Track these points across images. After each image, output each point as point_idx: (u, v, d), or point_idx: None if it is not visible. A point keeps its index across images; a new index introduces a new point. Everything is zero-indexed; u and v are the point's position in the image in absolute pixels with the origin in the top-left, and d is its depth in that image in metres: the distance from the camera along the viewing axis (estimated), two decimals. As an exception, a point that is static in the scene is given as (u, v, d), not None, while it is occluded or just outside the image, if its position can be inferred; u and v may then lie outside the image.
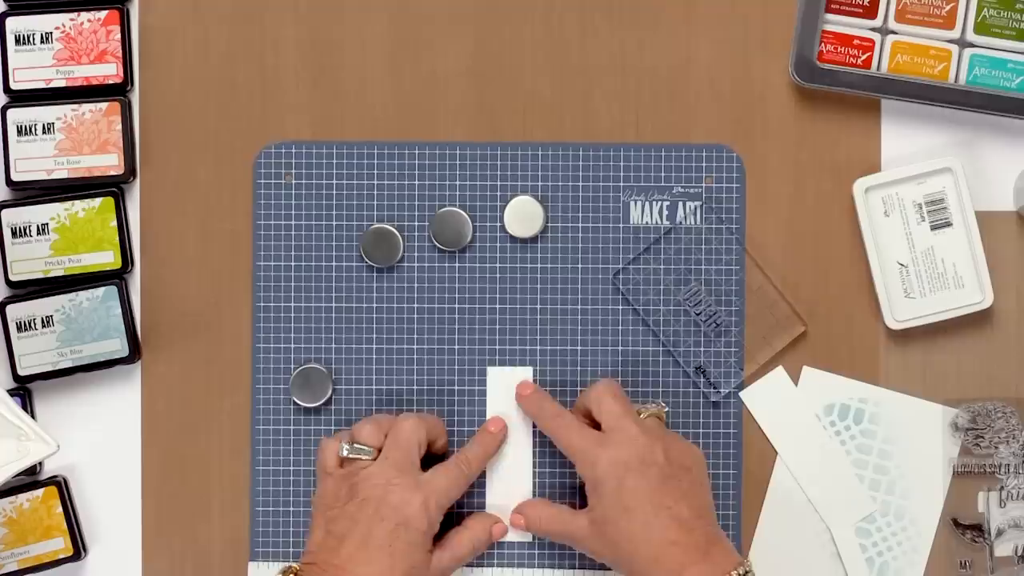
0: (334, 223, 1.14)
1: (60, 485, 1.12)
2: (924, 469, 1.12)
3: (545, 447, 1.13)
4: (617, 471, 1.02)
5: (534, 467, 1.13)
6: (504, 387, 1.13)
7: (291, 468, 1.14)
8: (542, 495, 1.13)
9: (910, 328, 1.12)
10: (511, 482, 1.13)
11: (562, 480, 1.13)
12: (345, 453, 1.06)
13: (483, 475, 1.13)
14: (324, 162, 1.14)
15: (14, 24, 1.13)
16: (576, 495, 1.13)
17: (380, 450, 1.07)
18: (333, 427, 1.14)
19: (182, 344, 1.14)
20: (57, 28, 1.12)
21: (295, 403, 1.13)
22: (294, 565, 1.04)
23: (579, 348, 1.13)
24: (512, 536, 1.13)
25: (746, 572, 1.01)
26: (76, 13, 1.12)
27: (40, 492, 1.12)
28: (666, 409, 1.10)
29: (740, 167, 1.13)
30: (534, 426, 1.13)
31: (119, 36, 1.12)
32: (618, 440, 1.03)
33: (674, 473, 1.03)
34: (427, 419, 1.09)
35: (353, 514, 1.04)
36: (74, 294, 1.12)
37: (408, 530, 1.04)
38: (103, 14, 1.12)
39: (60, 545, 1.12)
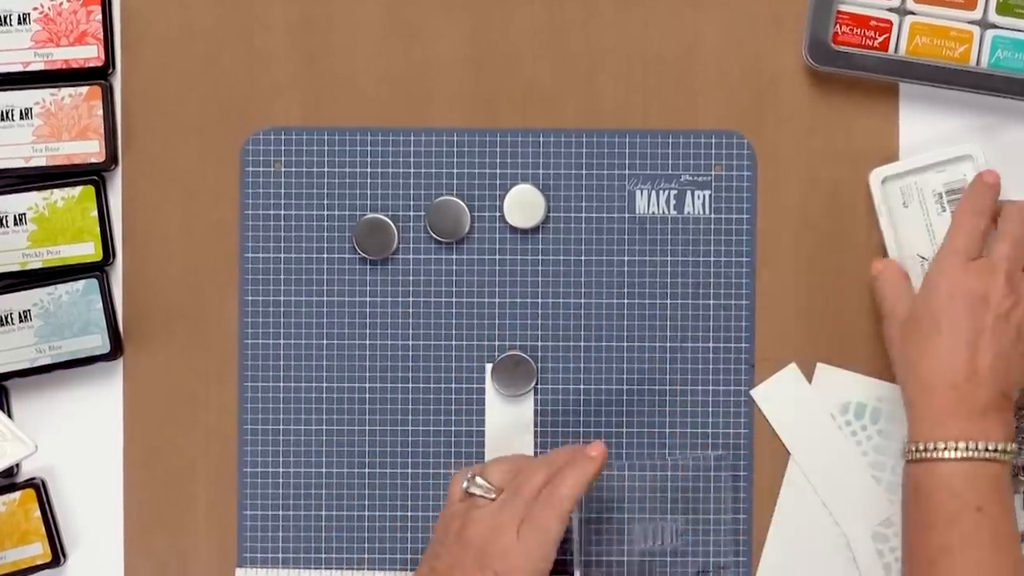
0: (325, 213, 1.13)
1: (38, 488, 1.12)
2: (944, 471, 1.11)
3: (546, 448, 1.12)
4: (958, 290, 1.02)
5: (535, 469, 1.13)
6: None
7: (280, 469, 1.13)
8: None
9: (929, 323, 1.11)
10: (511, 484, 1.12)
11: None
12: (465, 486, 1.05)
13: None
14: (315, 149, 1.13)
15: (-9, 5, 1.13)
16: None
17: (502, 490, 1.05)
18: (325, 426, 1.13)
19: (166, 339, 1.13)
20: (35, 9, 1.12)
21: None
22: None
23: (582, 343, 1.13)
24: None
25: (1004, 451, 1.00)
26: (55, -7, 1.13)
27: (17, 495, 1.12)
28: None
29: (751, 154, 1.13)
30: (534, 425, 1.12)
31: (100, 17, 1.12)
32: (984, 270, 1.03)
33: (1004, 331, 1.02)
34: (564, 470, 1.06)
35: (457, 555, 1.03)
36: (53, 287, 1.11)
37: None
38: (84, -6, 1.13)
39: (38, 551, 1.12)
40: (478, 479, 1.05)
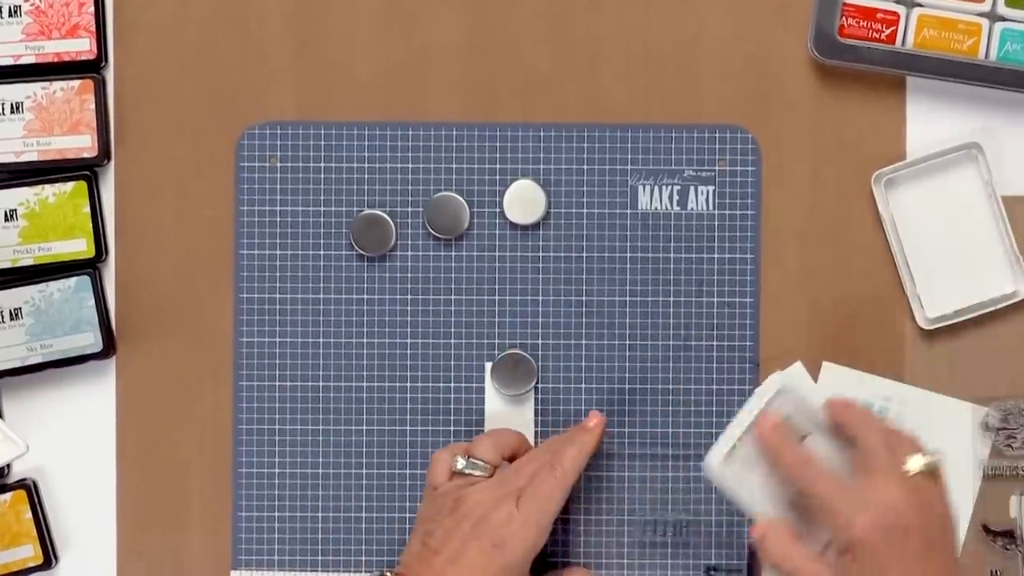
0: (322, 209, 1.13)
1: (29, 489, 1.11)
2: (953, 472, 1.07)
3: (547, 448, 1.11)
4: (875, 539, 0.97)
5: (535, 469, 1.13)
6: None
7: (276, 470, 1.13)
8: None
9: (937, 321, 1.12)
10: (511, 485, 1.12)
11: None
12: (460, 467, 1.05)
13: (481, 478, 1.11)
14: (311, 144, 1.13)
15: (-20, -3, 1.12)
16: (580, 499, 1.11)
17: (496, 467, 1.06)
18: (321, 426, 1.12)
19: (159, 338, 1.13)
20: (26, 1, 1.11)
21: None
22: (387, 572, 1.04)
23: (583, 342, 1.12)
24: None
25: None
26: (47, -16, 1.12)
27: (8, 496, 1.11)
28: (940, 458, 1.01)
29: (756, 149, 1.12)
30: (534, 425, 1.12)
31: (92, 9, 1.11)
32: (878, 501, 0.97)
33: (932, 541, 0.98)
34: (556, 447, 1.06)
35: (450, 529, 1.03)
36: (44, 285, 1.11)
37: (504, 552, 1.02)
38: (75, -15, 1.12)
39: (29, 553, 1.11)
40: (472, 459, 1.05)
